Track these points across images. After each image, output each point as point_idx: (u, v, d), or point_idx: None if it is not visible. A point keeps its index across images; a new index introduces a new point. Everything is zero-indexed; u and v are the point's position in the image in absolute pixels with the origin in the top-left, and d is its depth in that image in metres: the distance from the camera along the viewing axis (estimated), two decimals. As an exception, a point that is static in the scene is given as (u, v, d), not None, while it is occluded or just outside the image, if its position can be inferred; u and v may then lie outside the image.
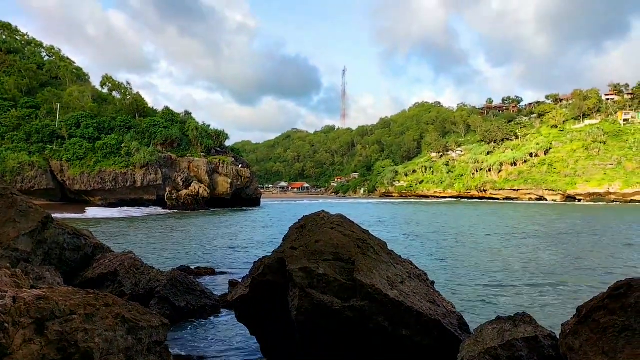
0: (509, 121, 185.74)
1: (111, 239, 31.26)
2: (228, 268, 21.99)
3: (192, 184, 79.72)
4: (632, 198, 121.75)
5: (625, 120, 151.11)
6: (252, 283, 10.15)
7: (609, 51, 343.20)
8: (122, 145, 77.95)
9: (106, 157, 76.62)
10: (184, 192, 78.22)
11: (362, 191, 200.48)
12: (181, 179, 79.57)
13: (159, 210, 72.47)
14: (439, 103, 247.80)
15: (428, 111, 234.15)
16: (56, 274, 10.75)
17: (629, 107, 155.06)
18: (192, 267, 20.30)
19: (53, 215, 12.92)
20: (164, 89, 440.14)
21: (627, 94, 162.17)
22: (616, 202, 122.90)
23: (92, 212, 61.17)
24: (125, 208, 70.83)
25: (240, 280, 15.28)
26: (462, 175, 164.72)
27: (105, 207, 71.56)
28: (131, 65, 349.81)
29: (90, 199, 75.52)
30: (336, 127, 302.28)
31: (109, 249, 14.86)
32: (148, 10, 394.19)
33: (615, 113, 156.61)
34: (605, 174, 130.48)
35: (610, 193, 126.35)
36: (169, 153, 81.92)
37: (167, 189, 77.38)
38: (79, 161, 74.94)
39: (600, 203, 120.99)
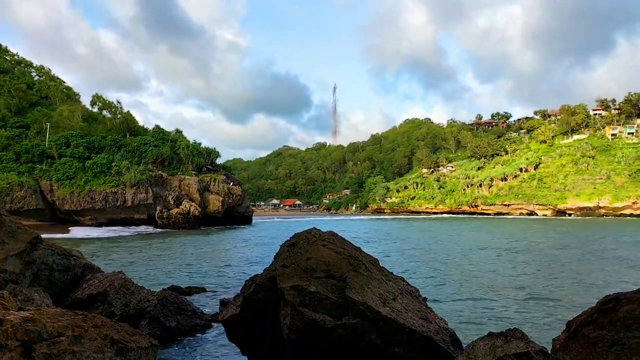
0: (499, 137, 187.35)
1: (101, 259, 30.97)
2: (219, 287, 21.83)
3: (183, 202, 79.32)
4: (622, 212, 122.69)
5: (613, 135, 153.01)
6: (243, 302, 10.08)
7: (595, 67, 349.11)
8: (113, 164, 77.62)
9: (96, 176, 76.21)
10: (174, 210, 77.77)
11: (353, 208, 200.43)
12: (172, 198, 79.18)
13: (149, 229, 71.92)
14: (429, 119, 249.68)
15: (418, 127, 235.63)
16: (45, 295, 10.63)
17: (617, 122, 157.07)
18: (183, 287, 20.13)
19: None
20: (154, 107, 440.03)
21: (614, 109, 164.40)
22: (606, 216, 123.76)
23: (77, 232, 60.36)
24: (113, 227, 70.25)
25: (231, 300, 15.18)
26: (453, 191, 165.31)
27: (95, 226, 71.02)
28: (121, 83, 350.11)
29: (80, 218, 74.93)
30: (327, 144, 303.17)
31: (99, 269, 14.72)
32: (138, 29, 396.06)
33: (603, 128, 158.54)
34: (594, 188, 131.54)
35: (600, 207, 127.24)
36: (159, 172, 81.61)
37: (158, 208, 76.91)
38: (68, 181, 74.49)
39: (590, 217, 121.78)
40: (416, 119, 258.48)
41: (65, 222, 72.73)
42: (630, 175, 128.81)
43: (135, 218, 76.80)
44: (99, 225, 72.57)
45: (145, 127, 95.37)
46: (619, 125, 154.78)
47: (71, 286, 12.97)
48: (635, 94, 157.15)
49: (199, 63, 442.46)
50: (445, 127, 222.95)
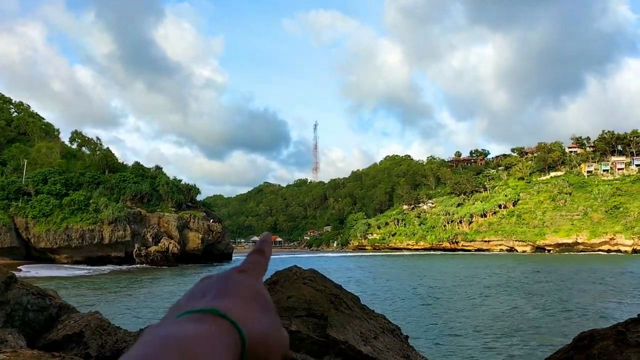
0: (477, 173, 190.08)
1: (77, 298, 30.24)
2: (198, 326, 21.39)
3: (162, 239, 78.24)
4: (600, 248, 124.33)
5: (588, 172, 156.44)
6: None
7: (566, 105, 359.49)
8: (90, 201, 76.56)
9: (73, 213, 74.96)
10: (153, 248, 76.60)
11: (335, 244, 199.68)
12: (150, 235, 78.08)
13: (127, 267, 70.51)
14: (409, 156, 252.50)
15: (399, 164, 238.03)
16: (19, 336, 10.33)
17: (592, 159, 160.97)
18: (161, 327, 19.69)
19: None
20: (131, 143, 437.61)
21: (589, 146, 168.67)
22: (584, 252, 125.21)
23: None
24: (90, 266, 68.69)
25: (211, 339, 14.89)
26: (433, 227, 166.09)
27: (71, 264, 69.46)
28: (98, 119, 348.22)
29: (55, 256, 73.27)
30: (308, 180, 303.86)
31: (75, 309, 14.39)
32: (114, 66, 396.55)
33: (579, 165, 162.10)
34: (572, 224, 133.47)
35: (578, 243, 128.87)
36: (138, 209, 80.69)
37: (136, 246, 75.69)
38: (44, 218, 73.08)
39: (568, 253, 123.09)
40: (396, 155, 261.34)
41: (40, 261, 70.99)
42: (606, 212, 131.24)
43: (113, 256, 75.32)
44: (76, 263, 71.03)
45: (124, 163, 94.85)
46: (594, 162, 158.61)
47: (45, 327, 12.64)
48: (609, 132, 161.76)
49: (177, 99, 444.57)
50: (425, 163, 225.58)
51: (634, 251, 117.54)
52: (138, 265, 72.53)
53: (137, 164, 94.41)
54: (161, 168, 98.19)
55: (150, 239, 77.75)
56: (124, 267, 70.93)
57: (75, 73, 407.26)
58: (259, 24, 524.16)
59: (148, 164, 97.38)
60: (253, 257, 0.85)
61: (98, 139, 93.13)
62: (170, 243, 78.33)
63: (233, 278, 0.72)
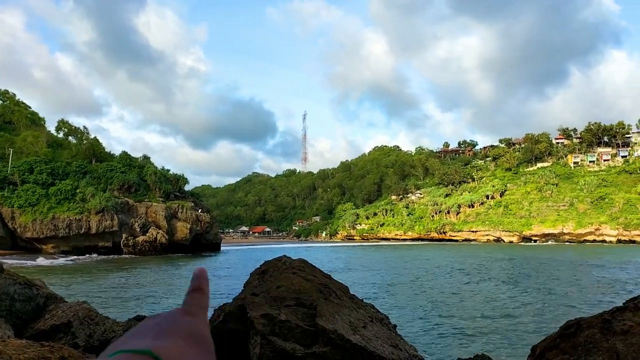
0: (465, 164, 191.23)
1: (64, 288, 30.05)
2: (187, 316, 21.37)
3: (150, 229, 77.88)
4: (585, 238, 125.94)
5: (575, 163, 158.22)
6: (212, 331, 9.92)
7: (551, 97, 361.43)
8: (77, 190, 75.89)
9: (60, 203, 74.29)
10: (141, 238, 76.26)
11: (323, 234, 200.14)
12: (138, 225, 77.67)
13: (115, 257, 70.17)
14: (398, 147, 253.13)
15: (387, 154, 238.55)
16: (6, 326, 10.27)
17: (578, 150, 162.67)
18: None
19: None
20: (115, 132, 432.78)
21: (576, 137, 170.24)
22: (570, 242, 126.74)
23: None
24: (77, 256, 68.28)
25: (200, 329, 14.90)
26: (422, 218, 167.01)
27: (58, 254, 68.97)
28: (81, 108, 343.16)
29: (42, 246, 72.66)
30: (297, 171, 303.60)
31: (62, 299, 14.31)
32: (96, 54, 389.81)
33: (566, 156, 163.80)
34: (558, 215, 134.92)
35: (564, 233, 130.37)
36: (126, 198, 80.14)
37: (124, 235, 75.28)
38: (31, 208, 72.35)
39: (554, 243, 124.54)
40: (385, 146, 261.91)
41: (26, 251, 70.41)
42: (592, 203, 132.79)
43: (100, 246, 74.90)
44: (62, 253, 70.57)
45: (112, 153, 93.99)
46: (581, 153, 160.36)
47: (33, 317, 12.57)
48: (595, 123, 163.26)
49: (161, 88, 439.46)
50: (413, 154, 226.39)
51: (619, 241, 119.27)
52: (126, 256, 72.24)
53: (124, 153, 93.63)
54: (149, 158, 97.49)
55: (138, 229, 77.37)
56: (112, 256, 70.60)
57: (57, 61, 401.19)
58: (243, 13, 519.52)
59: (133, 153, 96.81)
60: (194, 296, 0.82)
61: (85, 128, 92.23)
62: (158, 233, 78.02)
63: (177, 319, 0.70)
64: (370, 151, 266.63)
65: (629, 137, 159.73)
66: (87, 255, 71.23)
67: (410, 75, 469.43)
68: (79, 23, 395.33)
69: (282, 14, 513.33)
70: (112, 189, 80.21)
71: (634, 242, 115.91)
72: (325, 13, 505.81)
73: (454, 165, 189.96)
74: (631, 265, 50.12)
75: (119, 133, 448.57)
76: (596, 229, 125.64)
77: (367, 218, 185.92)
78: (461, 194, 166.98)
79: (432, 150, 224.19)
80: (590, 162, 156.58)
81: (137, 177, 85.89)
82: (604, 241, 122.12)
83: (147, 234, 77.10)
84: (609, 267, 48.60)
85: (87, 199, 74.70)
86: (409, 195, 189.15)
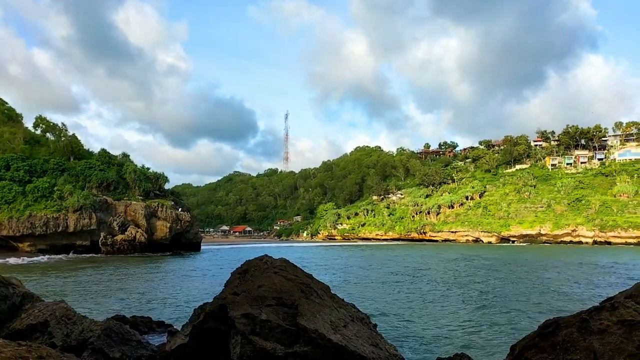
0: (446, 165, 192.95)
1: (41, 287, 29.55)
2: (166, 316, 21.22)
3: (129, 228, 76.99)
4: (562, 239, 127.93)
5: (552, 165, 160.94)
6: (192, 331, 9.88)
7: (529, 99, 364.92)
8: (55, 188, 74.67)
9: (37, 200, 73.01)
10: (119, 237, 75.37)
11: (305, 234, 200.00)
12: (117, 224, 76.75)
13: (93, 256, 69.26)
14: (379, 147, 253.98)
15: (369, 155, 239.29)
16: (-21, 326, 10.05)
17: (556, 152, 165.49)
18: (128, 317, 19.44)
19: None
20: (93, 130, 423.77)
21: (554, 140, 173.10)
22: (547, 243, 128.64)
23: (16, 258, 56.82)
24: (54, 255, 67.21)
25: (179, 329, 14.80)
26: (402, 218, 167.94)
27: (35, 253, 67.81)
28: (58, 105, 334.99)
29: (18, 244, 71.38)
30: (279, 170, 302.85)
31: (39, 298, 14.07)
32: (73, 50, 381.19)
33: (544, 158, 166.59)
34: (536, 216, 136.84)
35: (542, 234, 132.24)
36: (104, 197, 79.10)
37: (102, 234, 74.33)
38: (7, 205, 70.98)
39: (526, 244, 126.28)
40: (367, 146, 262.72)
41: (2, 249, 69.06)
42: (569, 204, 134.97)
43: (78, 244, 73.85)
44: (40, 251, 69.41)
45: (90, 150, 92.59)
46: (559, 156, 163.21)
47: (9, 316, 12.32)
48: (573, 126, 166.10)
49: (140, 86, 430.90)
50: (394, 155, 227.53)
51: (595, 242, 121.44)
52: (104, 255, 71.36)
53: (103, 151, 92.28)
54: (128, 155, 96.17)
55: (117, 228, 76.46)
56: (90, 255, 69.67)
57: (33, 56, 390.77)
58: (224, 11, 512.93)
59: (111, 151, 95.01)
60: None
61: (63, 124, 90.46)
62: (138, 232, 77.20)
63: None
64: (352, 151, 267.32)
65: (606, 140, 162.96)
66: (65, 254, 70.20)
67: (391, 76, 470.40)
68: (56, 18, 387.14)
69: (263, 13, 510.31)
70: (90, 187, 79.10)
71: (609, 243, 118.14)
72: (306, 12, 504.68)
73: (434, 166, 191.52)
74: (607, 266, 51.08)
75: (98, 130, 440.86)
76: (573, 230, 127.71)
77: (349, 218, 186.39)
78: (441, 195, 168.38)
79: (413, 151, 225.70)
80: (567, 164, 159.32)
81: (116, 175, 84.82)
82: (580, 242, 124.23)
83: (126, 233, 76.23)
84: (585, 268, 49.47)
85: (65, 197, 73.56)
86: (390, 195, 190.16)
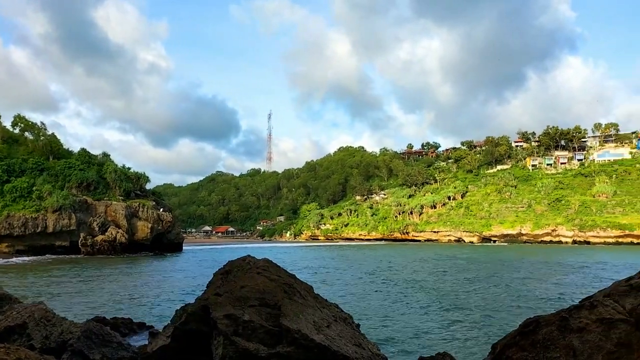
0: (428, 166, 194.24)
1: (20, 289, 29.05)
2: (147, 318, 21.02)
3: (109, 229, 76.13)
4: (542, 239, 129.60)
5: (533, 165, 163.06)
6: (174, 332, 9.79)
7: (510, 100, 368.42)
8: (34, 188, 73.55)
9: (15, 201, 71.84)
10: (100, 237, 74.49)
11: (288, 234, 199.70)
12: (97, 224, 75.85)
13: (73, 257, 68.32)
14: (363, 147, 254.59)
15: (352, 155, 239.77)
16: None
17: (536, 153, 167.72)
18: (108, 318, 19.20)
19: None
20: (72, 129, 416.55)
21: (534, 141, 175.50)
22: (528, 242, 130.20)
23: None
24: (33, 256, 66.15)
25: (160, 330, 14.66)
26: (385, 218, 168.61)
27: (13, 254, 66.66)
28: (36, 104, 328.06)
29: (-5, 246, 70.15)
30: (262, 170, 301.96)
31: (17, 299, 13.83)
32: (52, 48, 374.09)
33: (524, 159, 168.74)
34: (517, 216, 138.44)
35: (522, 234, 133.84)
36: (84, 197, 78.12)
37: (82, 235, 73.38)
38: (-16, 205, 69.76)
39: (505, 244, 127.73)
40: (350, 147, 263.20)
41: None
42: (549, 204, 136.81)
43: (57, 245, 72.79)
44: (18, 252, 68.27)
45: (70, 150, 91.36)
46: (539, 156, 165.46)
47: (-15, 319, 12.09)
48: (553, 127, 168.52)
49: (120, 85, 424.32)
50: (377, 155, 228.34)
51: (574, 242, 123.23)
52: (84, 255, 70.46)
53: (83, 150, 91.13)
54: (109, 155, 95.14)
55: (97, 228, 75.57)
56: (70, 256, 68.73)
57: (10, 54, 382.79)
58: (206, 10, 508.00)
59: (91, 150, 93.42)
60: None
61: (42, 124, 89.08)
62: (118, 232, 76.39)
63: None
64: (335, 151, 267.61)
65: (585, 141, 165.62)
66: (44, 254, 69.14)
67: (374, 76, 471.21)
68: (34, 15, 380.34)
69: (245, 12, 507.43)
70: (70, 186, 78.04)
71: (588, 242, 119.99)
72: (288, 12, 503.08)
73: (417, 166, 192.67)
74: (587, 266, 51.88)
75: (77, 129, 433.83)
76: (553, 230, 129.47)
77: (332, 218, 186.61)
78: (424, 195, 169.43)
79: (396, 152, 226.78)
80: (547, 165, 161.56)
81: (97, 175, 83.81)
82: (560, 242, 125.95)
83: (106, 233, 75.38)
84: (564, 267, 50.18)
85: (44, 197, 72.50)
86: (373, 195, 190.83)
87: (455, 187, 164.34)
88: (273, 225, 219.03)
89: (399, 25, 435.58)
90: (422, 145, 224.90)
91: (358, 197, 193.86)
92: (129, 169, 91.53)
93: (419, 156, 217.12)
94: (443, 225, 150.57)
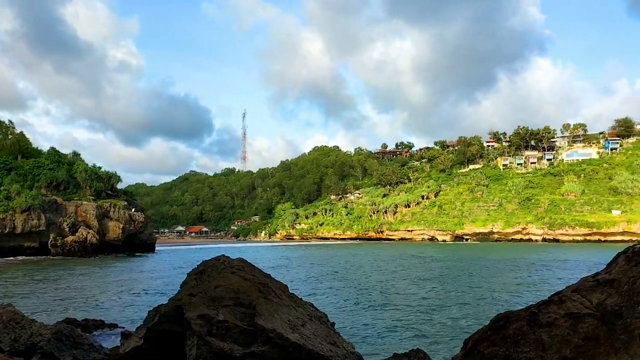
0: (402, 165, 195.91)
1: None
2: (119, 319, 20.72)
3: (80, 229, 74.69)
4: (513, 237, 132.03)
5: (504, 165, 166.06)
6: (146, 333, 9.69)
7: (481, 101, 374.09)
8: (1, 188, 71.67)
9: (-19, 201, 69.87)
10: (70, 238, 73.01)
11: (263, 234, 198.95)
12: (67, 225, 74.33)
13: (42, 258, 66.82)
14: (338, 147, 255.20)
15: (327, 155, 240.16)
16: None
17: (507, 153, 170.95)
18: (79, 320, 18.87)
19: None
20: (41, 127, 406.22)
21: (505, 141, 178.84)
22: (499, 240, 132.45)
23: None
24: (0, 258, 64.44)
25: (133, 331, 14.47)
26: (360, 217, 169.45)
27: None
28: (3, 101, 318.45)
29: (-40, 247, 68.10)
30: (236, 170, 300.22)
31: (-17, 302, 13.47)
32: (19, 44, 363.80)
33: (496, 159, 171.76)
34: (488, 215, 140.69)
35: (494, 232, 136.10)
36: (54, 197, 76.47)
37: (52, 235, 71.82)
38: (-52, 206, 67.67)
39: (485, 242, 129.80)
40: (325, 146, 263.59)
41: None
42: (519, 203, 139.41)
43: (26, 246, 71.04)
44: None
45: (39, 149, 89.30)
46: (510, 156, 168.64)
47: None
48: (523, 128, 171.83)
49: (89, 82, 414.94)
50: (352, 155, 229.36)
51: (544, 240, 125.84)
52: (54, 257, 68.99)
53: (52, 149, 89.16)
54: (79, 154, 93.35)
55: (67, 229, 74.06)
56: (39, 257, 67.22)
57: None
58: (178, 7, 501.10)
59: (60, 149, 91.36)
60: None
61: (10, 122, 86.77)
62: (89, 233, 75.03)
63: None
64: (310, 151, 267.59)
65: (554, 141, 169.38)
66: (12, 256, 67.38)
67: (347, 76, 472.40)
68: (0, 11, 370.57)
69: (218, 9, 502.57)
70: (39, 186, 76.30)
71: (557, 240, 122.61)
72: (261, 10, 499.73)
73: (391, 166, 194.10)
74: (555, 263, 53.04)
75: (46, 128, 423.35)
76: (523, 229, 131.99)
77: (307, 218, 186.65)
78: (398, 194, 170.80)
79: (370, 151, 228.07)
80: (518, 164, 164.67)
81: (67, 174, 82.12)
82: (530, 240, 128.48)
83: (77, 234, 73.95)
84: (533, 265, 51.21)
85: (12, 197, 70.70)
86: (348, 195, 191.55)
87: (428, 187, 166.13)
88: (248, 225, 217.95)
89: (372, 26, 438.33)
90: (396, 145, 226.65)
91: (333, 197, 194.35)
92: (100, 168, 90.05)
93: (393, 156, 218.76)
94: (417, 224, 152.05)
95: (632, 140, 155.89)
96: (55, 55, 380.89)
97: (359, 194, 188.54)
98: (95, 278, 40.42)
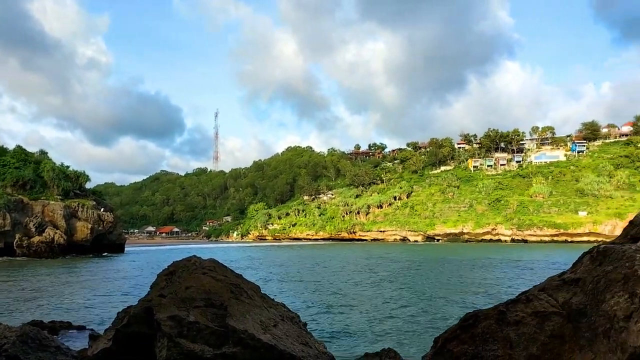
0: (375, 166, 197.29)
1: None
2: (88, 321, 20.31)
3: (47, 229, 72.95)
4: (483, 237, 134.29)
5: (475, 167, 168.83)
6: (115, 335, 9.53)
7: (452, 103, 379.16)
8: (-36, 187, 69.56)
9: (-58, 200, 67.63)
10: (36, 238, 71.24)
11: (235, 234, 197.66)
12: (34, 225, 72.51)
13: (7, 259, 65.03)
14: (311, 147, 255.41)
15: (300, 155, 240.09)
16: None
17: (478, 155, 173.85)
18: (46, 322, 18.43)
19: None
20: (6, 125, 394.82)
21: (476, 143, 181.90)
22: (469, 241, 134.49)
23: None
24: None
25: (102, 333, 14.22)
26: (333, 218, 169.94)
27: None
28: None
29: None
30: (208, 170, 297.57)
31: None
32: None
33: (466, 160, 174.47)
34: (459, 215, 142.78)
35: (464, 233, 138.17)
36: (20, 196, 74.53)
37: (17, 236, 69.94)
38: None
39: (455, 242, 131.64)
40: (298, 146, 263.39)
41: None
42: (489, 204, 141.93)
43: (-11, 247, 69.06)
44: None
45: (4, 147, 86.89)
46: (480, 158, 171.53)
47: None
48: (493, 130, 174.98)
49: (57, 80, 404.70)
50: (325, 155, 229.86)
51: (513, 240, 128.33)
52: (20, 258, 67.23)
53: (19, 147, 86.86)
54: (46, 153, 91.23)
55: (34, 229, 72.25)
56: (4, 258, 65.39)
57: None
58: (148, 4, 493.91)
59: (27, 148, 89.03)
60: None
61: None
62: (56, 233, 73.34)
63: None
64: (283, 151, 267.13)
65: (523, 144, 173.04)
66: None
67: (320, 77, 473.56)
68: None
69: (190, 7, 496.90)
70: (4, 185, 74.30)
71: (525, 241, 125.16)
72: (233, 9, 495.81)
73: (364, 167, 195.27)
74: (521, 263, 54.13)
75: (11, 125, 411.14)
76: (493, 229, 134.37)
77: (280, 218, 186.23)
78: (371, 195, 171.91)
79: (343, 152, 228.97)
80: (488, 166, 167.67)
81: (33, 173, 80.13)
82: (499, 240, 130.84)
83: (44, 234, 72.21)
84: (501, 264, 52.17)
85: (-25, 197, 68.62)
86: (321, 195, 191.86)
87: (401, 188, 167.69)
88: (220, 226, 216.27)
89: (345, 27, 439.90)
90: (369, 146, 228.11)
91: (306, 197, 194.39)
92: (68, 167, 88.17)
93: (366, 157, 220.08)
94: (389, 224, 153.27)
95: (598, 143, 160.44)
96: (22, 51, 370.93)
97: (332, 194, 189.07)
98: (62, 279, 39.53)
